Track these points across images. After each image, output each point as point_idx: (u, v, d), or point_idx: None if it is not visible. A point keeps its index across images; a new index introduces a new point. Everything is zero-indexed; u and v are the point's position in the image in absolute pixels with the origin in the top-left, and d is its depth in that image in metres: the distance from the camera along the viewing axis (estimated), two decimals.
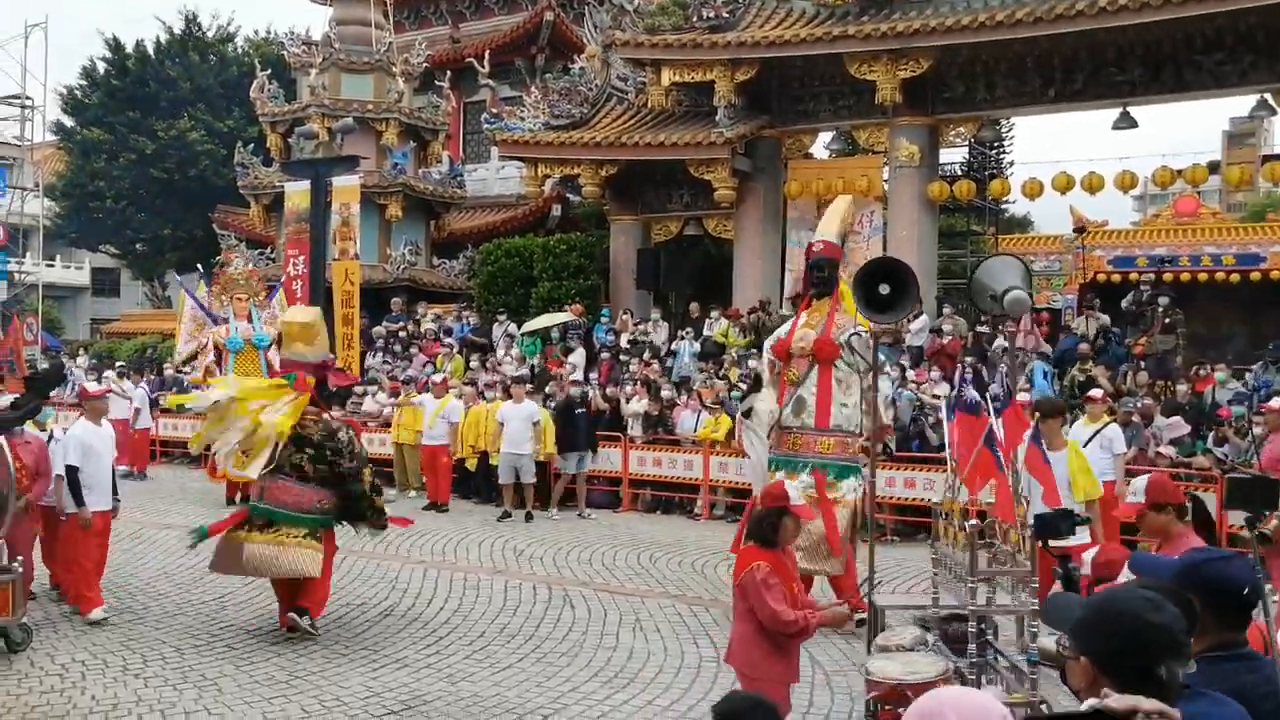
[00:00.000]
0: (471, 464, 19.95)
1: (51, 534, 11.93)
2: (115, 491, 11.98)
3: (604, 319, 25.61)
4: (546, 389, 21.11)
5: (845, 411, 11.46)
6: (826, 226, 12.33)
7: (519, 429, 18.39)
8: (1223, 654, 3.59)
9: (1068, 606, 3.35)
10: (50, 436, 11.99)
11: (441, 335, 26.69)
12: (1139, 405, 16.96)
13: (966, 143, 27.81)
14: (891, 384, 17.40)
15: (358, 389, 23.87)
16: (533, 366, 23.60)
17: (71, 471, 11.30)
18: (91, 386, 13.18)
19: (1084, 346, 20.38)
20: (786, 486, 7.17)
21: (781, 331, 12.31)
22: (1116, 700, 2.14)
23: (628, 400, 20.41)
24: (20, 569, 10.27)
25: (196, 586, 12.66)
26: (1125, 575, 4.85)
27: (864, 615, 9.58)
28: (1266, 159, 26.11)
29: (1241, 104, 23.17)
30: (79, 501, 11.29)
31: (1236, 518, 9.42)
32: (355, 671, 9.57)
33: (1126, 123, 22.93)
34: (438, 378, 21.26)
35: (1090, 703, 2.16)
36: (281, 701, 8.76)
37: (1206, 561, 3.83)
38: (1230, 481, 5.51)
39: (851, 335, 11.43)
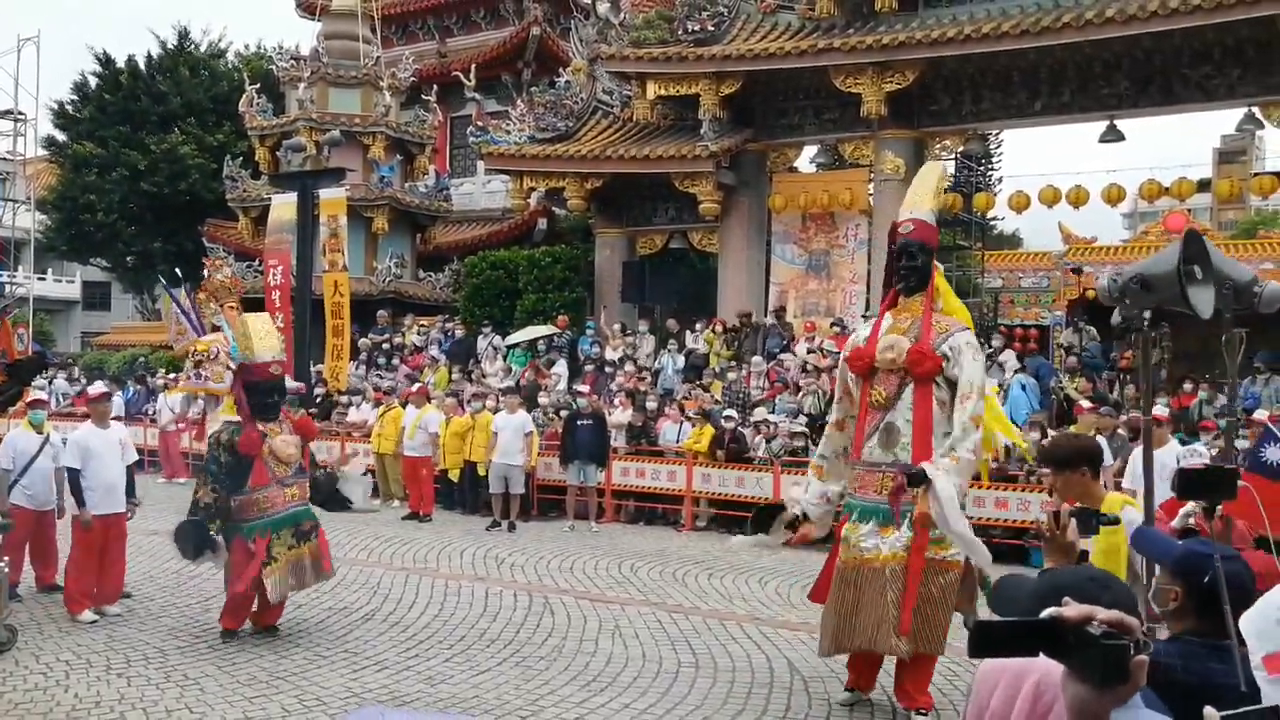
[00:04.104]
0: (455, 475, 20.01)
1: (37, 535, 12.09)
2: (132, 493, 12.13)
3: (589, 331, 25.69)
4: (539, 400, 21.25)
5: (948, 443, 8.54)
6: (917, 200, 9.35)
7: (510, 439, 18.48)
8: (1197, 641, 3.69)
9: (1018, 589, 3.38)
10: (46, 439, 12.09)
11: (428, 347, 26.79)
12: (1127, 418, 17.04)
13: (953, 156, 27.91)
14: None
15: (343, 399, 23.99)
16: (517, 381, 23.65)
17: (71, 474, 11.45)
18: (94, 389, 13.27)
19: (1072, 360, 20.60)
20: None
21: (859, 337, 9.36)
22: (1072, 608, 2.18)
23: (611, 412, 20.45)
24: (6, 569, 10.32)
25: (180, 590, 12.75)
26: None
27: (925, 714, 8.65)
28: (1257, 175, 26.17)
29: (1229, 118, 23.23)
30: (80, 503, 11.46)
31: None
32: (336, 672, 9.62)
33: (1113, 135, 22.99)
34: (415, 387, 21.38)
35: (1048, 612, 2.20)
36: (263, 701, 8.80)
37: (1196, 554, 3.98)
38: (1181, 472, 5.48)
39: (963, 341, 8.76)
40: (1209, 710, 2.15)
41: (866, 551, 8.54)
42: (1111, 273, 6.79)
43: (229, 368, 19.58)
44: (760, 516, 10.00)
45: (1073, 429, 14.83)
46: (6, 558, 10.58)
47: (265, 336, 11.32)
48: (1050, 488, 14.68)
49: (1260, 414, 13.62)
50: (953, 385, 8.63)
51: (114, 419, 12.95)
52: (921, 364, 8.57)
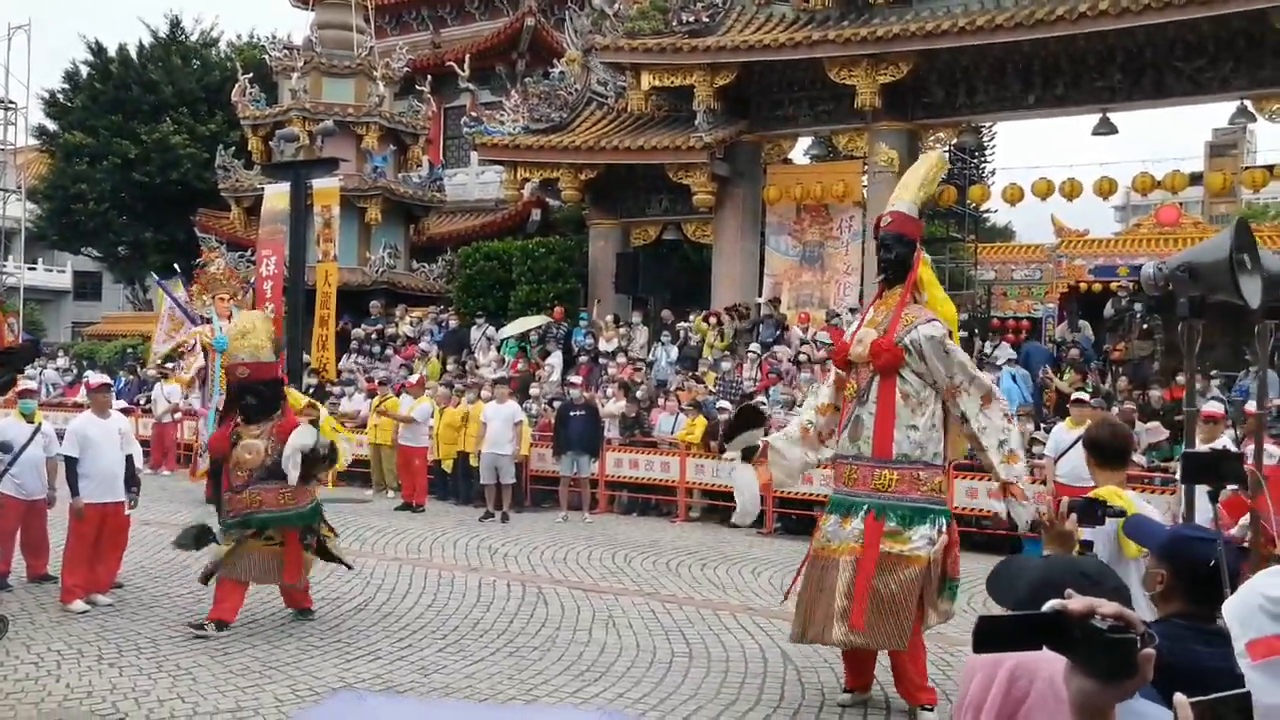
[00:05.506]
0: (448, 465, 20.01)
1: (28, 525, 12.09)
2: (130, 485, 12.03)
3: (583, 322, 25.69)
4: (530, 391, 21.29)
5: (914, 436, 8.52)
6: (901, 191, 9.23)
7: (500, 429, 18.47)
8: (1183, 624, 3.70)
9: (1016, 576, 3.37)
10: (37, 429, 12.11)
11: (420, 338, 26.79)
12: (1119, 410, 17.08)
13: (947, 149, 27.93)
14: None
15: (335, 389, 23.97)
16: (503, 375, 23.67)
17: (69, 462, 11.50)
18: (95, 379, 13.27)
19: (1075, 352, 20.70)
20: None
21: (850, 331, 9.38)
22: (1076, 602, 2.17)
23: (605, 402, 20.46)
24: None
25: (173, 580, 12.73)
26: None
27: (930, 709, 8.50)
28: (1248, 169, 26.19)
29: (1222, 111, 23.28)
30: (74, 491, 11.46)
31: None
32: (328, 662, 9.61)
33: (1106, 128, 23.01)
34: (413, 379, 21.39)
35: (1050, 604, 2.18)
36: (255, 690, 8.78)
37: (1182, 538, 4.05)
38: (1186, 456, 5.49)
39: (924, 335, 8.53)
40: (1178, 697, 2.13)
41: (830, 542, 8.59)
42: (1156, 262, 6.70)
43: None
44: (731, 428, 9.62)
45: (1066, 423, 14.91)
46: None
47: (243, 336, 11.24)
48: (1043, 478, 14.83)
49: (1251, 406, 13.59)
50: (921, 378, 8.57)
51: (122, 410, 12.94)
52: (879, 357, 8.55)
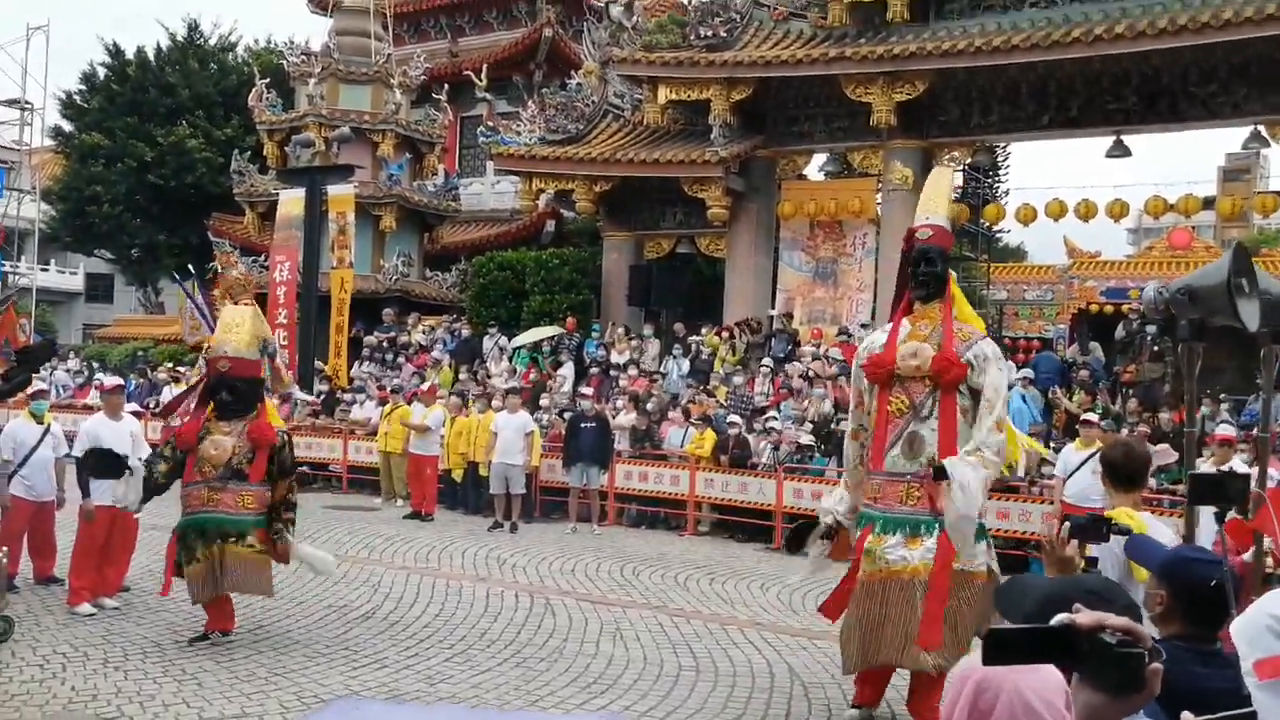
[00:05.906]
0: (458, 475, 20.02)
1: (35, 527, 12.10)
2: None
3: (595, 334, 25.71)
4: (540, 401, 21.31)
5: None
6: (932, 205, 9.10)
7: (511, 439, 18.48)
8: (1182, 645, 3.69)
9: (1023, 594, 3.37)
10: (47, 430, 12.13)
11: (432, 347, 26.82)
12: (1135, 432, 17.06)
13: (962, 168, 27.89)
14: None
15: (346, 397, 23.99)
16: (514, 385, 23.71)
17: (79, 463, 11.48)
18: (109, 381, 13.29)
19: (1085, 374, 20.71)
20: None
21: (874, 344, 9.07)
22: (1085, 616, 2.18)
23: (615, 415, 20.45)
24: (4, 560, 10.30)
25: (179, 585, 12.62)
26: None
27: None
28: (1260, 194, 26.16)
29: (1235, 136, 23.21)
30: (85, 493, 11.42)
31: None
32: (335, 670, 9.60)
33: (1120, 151, 23.00)
34: (425, 386, 21.40)
35: (1059, 618, 2.19)
36: (260, 697, 8.78)
37: (1182, 558, 4.03)
38: (1193, 478, 5.50)
39: (990, 351, 8.57)
40: (1186, 715, 2.15)
41: (894, 564, 8.30)
42: (1157, 285, 6.81)
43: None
44: (793, 538, 9.67)
45: (1075, 444, 14.94)
46: (5, 548, 10.56)
47: (228, 329, 11.10)
48: (1051, 499, 14.87)
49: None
50: (975, 393, 8.43)
51: (133, 413, 12.93)
52: (949, 371, 8.36)
